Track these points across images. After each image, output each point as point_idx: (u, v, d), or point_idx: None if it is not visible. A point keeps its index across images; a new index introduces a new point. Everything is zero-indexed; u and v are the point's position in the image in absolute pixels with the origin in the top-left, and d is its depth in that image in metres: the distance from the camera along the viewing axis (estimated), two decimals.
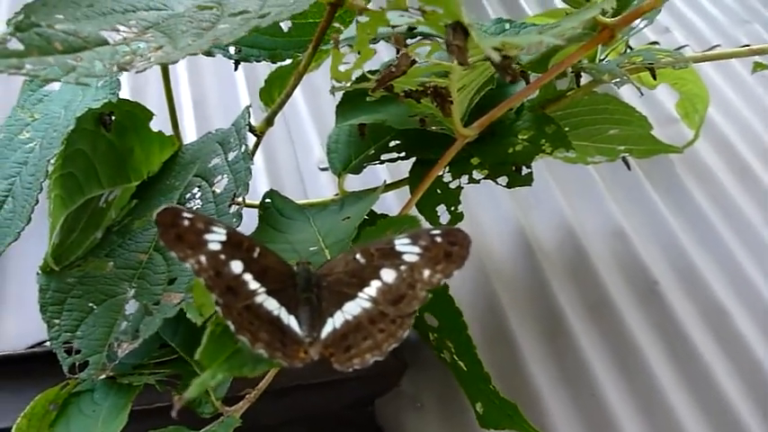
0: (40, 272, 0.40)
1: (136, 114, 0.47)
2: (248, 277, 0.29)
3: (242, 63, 0.51)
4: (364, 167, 0.53)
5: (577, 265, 0.64)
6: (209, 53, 0.48)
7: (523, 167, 0.49)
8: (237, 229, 0.37)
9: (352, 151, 0.54)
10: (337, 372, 0.51)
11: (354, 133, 0.54)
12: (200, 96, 0.69)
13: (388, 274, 0.30)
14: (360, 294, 0.30)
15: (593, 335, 0.59)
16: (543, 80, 0.37)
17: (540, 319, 0.59)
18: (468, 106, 0.40)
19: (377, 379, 0.53)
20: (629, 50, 0.55)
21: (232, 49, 0.48)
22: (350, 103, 0.48)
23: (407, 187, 0.51)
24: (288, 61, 0.49)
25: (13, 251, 0.48)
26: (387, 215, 0.44)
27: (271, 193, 0.47)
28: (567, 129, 0.57)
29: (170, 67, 0.51)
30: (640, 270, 0.64)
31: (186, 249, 0.28)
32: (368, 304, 0.30)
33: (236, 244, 0.29)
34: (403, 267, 0.30)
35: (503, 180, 0.49)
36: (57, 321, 0.38)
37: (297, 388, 0.50)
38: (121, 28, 0.29)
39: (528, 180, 0.49)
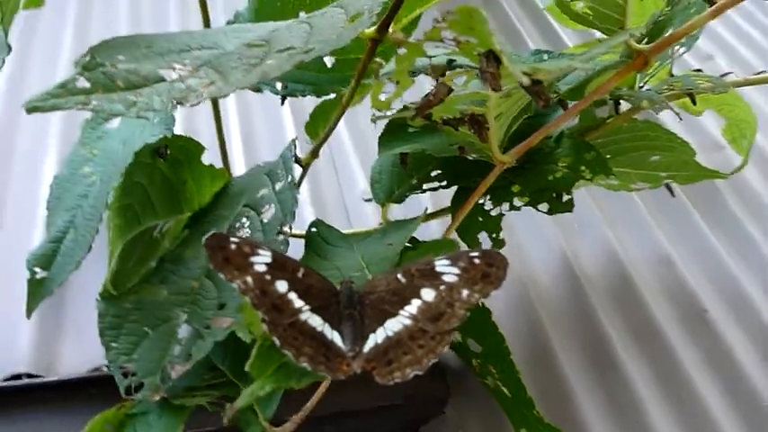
0: (99, 298, 0.42)
1: (189, 149, 0.50)
2: (293, 296, 0.30)
3: (289, 98, 0.53)
4: (406, 197, 0.54)
5: (623, 293, 0.63)
6: (257, 89, 0.51)
7: (564, 194, 0.49)
8: None
9: (394, 181, 0.56)
10: (383, 398, 0.52)
11: (397, 164, 0.55)
12: (249, 131, 0.72)
13: (428, 294, 0.31)
14: (401, 312, 0.31)
15: (639, 362, 0.58)
16: (579, 107, 0.38)
17: (585, 347, 0.59)
18: (506, 133, 0.41)
19: (421, 406, 0.54)
20: (671, 78, 0.55)
21: (279, 85, 0.51)
22: (391, 133, 0.50)
23: (450, 215, 0.52)
24: (332, 96, 0.51)
25: (74, 279, 0.51)
26: None
27: (316, 223, 0.49)
28: (607, 156, 0.58)
29: (220, 103, 0.54)
30: (688, 297, 0.63)
31: (234, 271, 0.29)
32: (408, 321, 0.31)
33: (281, 265, 0.31)
34: (442, 287, 0.31)
35: (543, 207, 0.50)
36: (114, 345, 0.40)
37: (343, 414, 0.51)
38: (177, 66, 0.31)
39: (568, 206, 0.49)
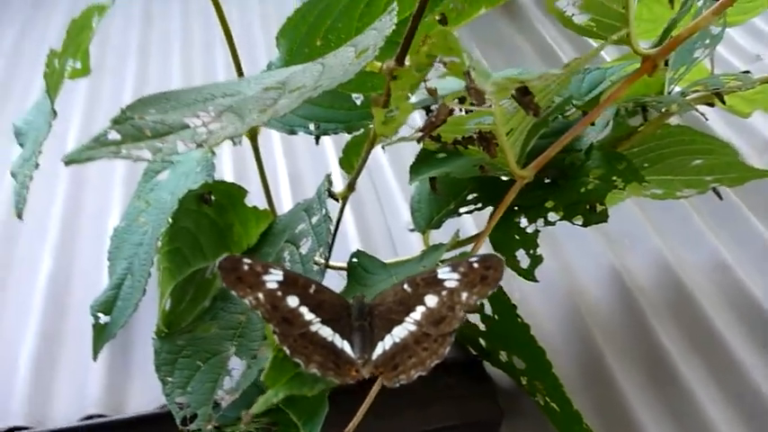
0: (154, 336, 0.45)
1: (232, 193, 0.53)
2: (304, 309, 0.33)
3: (332, 137, 0.56)
4: (443, 222, 0.56)
5: (679, 303, 0.62)
6: (291, 132, 0.53)
7: (597, 205, 0.49)
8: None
9: (433, 209, 0.57)
10: (437, 421, 0.53)
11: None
12: (295, 171, 0.76)
13: (431, 300, 0.33)
14: (406, 319, 0.33)
15: (702, 374, 0.57)
16: (592, 117, 0.39)
17: (642, 361, 0.58)
18: (524, 149, 0.42)
19: (474, 429, 0.54)
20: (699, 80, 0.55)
21: (312, 126, 0.53)
22: (421, 161, 0.52)
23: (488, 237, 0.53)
24: (362, 131, 0.53)
25: (139, 322, 0.55)
26: None
27: (357, 253, 0.51)
28: (646, 164, 0.58)
29: (265, 146, 0.57)
30: (750, 303, 0.61)
31: (246, 289, 0.32)
32: (413, 327, 0.32)
33: (292, 282, 0.33)
34: (444, 292, 0.33)
35: (578, 220, 0.50)
36: (170, 379, 0.43)
37: None
38: (201, 114, 0.34)
39: (603, 217, 0.49)
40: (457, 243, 0.50)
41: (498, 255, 0.33)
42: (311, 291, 0.34)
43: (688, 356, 0.58)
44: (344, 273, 0.47)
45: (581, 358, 0.58)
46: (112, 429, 0.50)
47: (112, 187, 0.73)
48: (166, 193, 0.51)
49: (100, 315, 0.48)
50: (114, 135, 0.30)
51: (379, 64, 0.40)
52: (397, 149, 0.77)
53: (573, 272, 0.65)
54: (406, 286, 0.34)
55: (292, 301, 0.33)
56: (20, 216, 0.37)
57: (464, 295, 0.33)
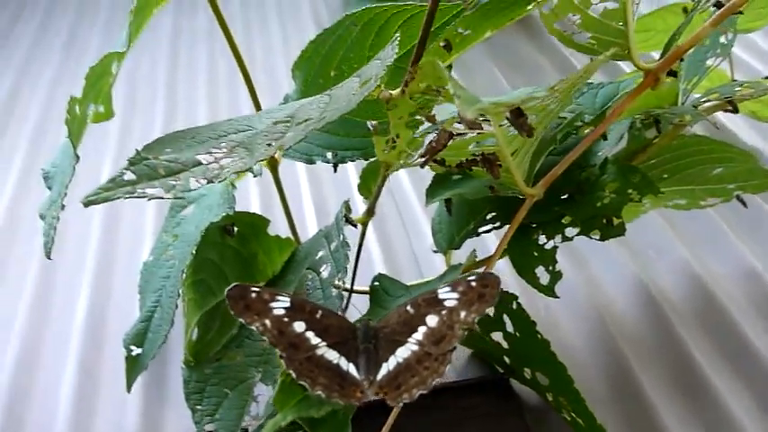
0: (183, 366, 0.46)
1: (255, 223, 0.54)
2: (310, 334, 0.34)
3: (355, 162, 0.57)
4: (464, 242, 0.56)
5: (708, 313, 0.61)
6: (309, 161, 0.55)
7: (614, 219, 0.49)
8: (340, 308, 0.42)
9: (453, 229, 0.58)
10: None
11: (453, 212, 0.57)
12: (320, 198, 0.77)
13: (432, 320, 0.34)
14: (409, 339, 0.34)
15: (735, 386, 0.56)
16: (597, 133, 0.39)
17: (671, 371, 0.57)
18: (532, 166, 0.43)
19: None
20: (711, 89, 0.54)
21: (329, 155, 0.55)
22: (437, 183, 0.53)
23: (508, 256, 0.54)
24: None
25: (173, 352, 0.57)
26: None
27: (379, 277, 0.52)
28: (665, 176, 0.58)
29: (290, 175, 0.58)
30: None
31: (253, 315, 0.33)
32: (415, 347, 0.33)
33: (299, 308, 0.34)
34: (444, 312, 0.34)
35: (595, 234, 0.50)
36: (199, 407, 0.44)
37: None
38: (214, 150, 0.35)
39: (620, 231, 0.49)
40: (474, 263, 0.51)
41: (494, 273, 0.34)
42: (318, 316, 0.35)
43: (719, 367, 0.57)
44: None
45: (609, 371, 0.57)
46: None
47: (145, 223, 0.75)
48: (192, 227, 0.53)
49: (132, 347, 0.50)
50: (130, 175, 0.32)
51: (393, 92, 0.41)
52: (419, 172, 0.78)
53: (599, 285, 0.65)
54: (408, 307, 0.35)
55: (299, 326, 0.34)
56: (48, 256, 0.39)
57: (462, 314, 0.34)
